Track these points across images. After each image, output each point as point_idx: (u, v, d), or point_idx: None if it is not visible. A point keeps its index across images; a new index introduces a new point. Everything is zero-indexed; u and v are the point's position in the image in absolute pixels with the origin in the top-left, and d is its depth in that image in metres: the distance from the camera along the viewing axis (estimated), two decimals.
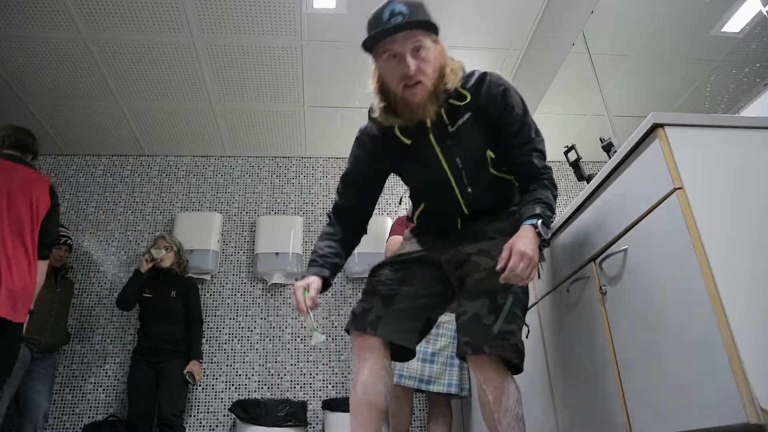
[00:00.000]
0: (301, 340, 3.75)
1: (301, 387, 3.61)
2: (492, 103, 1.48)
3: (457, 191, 1.54)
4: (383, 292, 1.53)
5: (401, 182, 1.71)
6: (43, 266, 2.31)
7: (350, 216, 1.68)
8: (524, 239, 1.35)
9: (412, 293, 1.54)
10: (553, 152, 1.73)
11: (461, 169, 1.51)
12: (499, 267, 1.34)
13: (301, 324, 3.82)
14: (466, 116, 1.49)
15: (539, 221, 1.39)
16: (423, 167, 1.55)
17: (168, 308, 3.26)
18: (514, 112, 1.49)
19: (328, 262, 1.58)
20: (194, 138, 4.10)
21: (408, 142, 1.52)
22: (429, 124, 1.48)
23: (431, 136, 1.50)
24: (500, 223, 1.55)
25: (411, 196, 1.70)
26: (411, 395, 2.67)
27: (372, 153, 1.61)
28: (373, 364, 1.46)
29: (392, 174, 1.70)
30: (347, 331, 1.55)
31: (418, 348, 2.77)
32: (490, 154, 1.53)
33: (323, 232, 1.66)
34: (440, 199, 1.58)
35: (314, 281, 1.53)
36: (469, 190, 1.54)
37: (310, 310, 1.48)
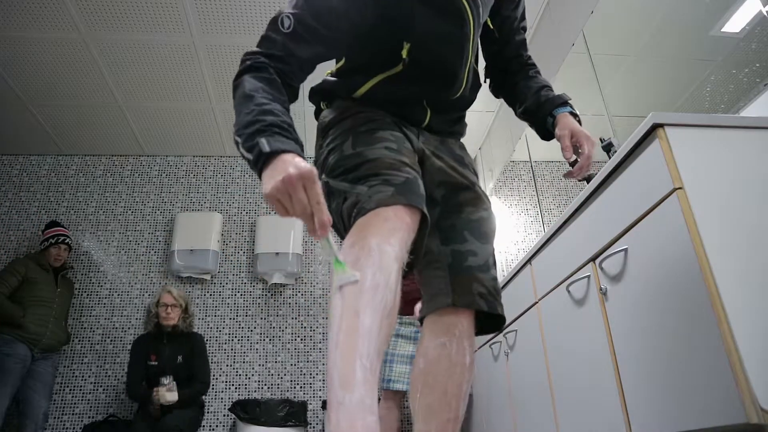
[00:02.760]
0: (301, 340, 3.75)
1: (301, 387, 3.61)
2: None
3: (470, 53, 1.16)
4: (411, 164, 1.04)
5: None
6: None
7: (299, 76, 1.02)
8: (580, 126, 1.20)
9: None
10: (553, 152, 1.72)
11: (478, 26, 1.16)
12: (570, 157, 1.14)
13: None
14: None
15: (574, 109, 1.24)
16: (437, 12, 1.09)
17: (174, 374, 3.05)
18: None
19: (299, 139, 0.91)
20: (194, 138, 4.10)
21: None
22: None
23: None
24: (467, 156, 1.26)
25: (376, 54, 1.13)
26: (400, 399, 2.50)
27: None
28: (403, 247, 0.91)
29: None
30: (371, 209, 0.92)
31: (405, 353, 2.65)
32: (489, 23, 1.28)
33: (263, 87, 0.93)
34: (440, 62, 1.14)
35: (309, 167, 0.83)
36: (471, 60, 1.18)
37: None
